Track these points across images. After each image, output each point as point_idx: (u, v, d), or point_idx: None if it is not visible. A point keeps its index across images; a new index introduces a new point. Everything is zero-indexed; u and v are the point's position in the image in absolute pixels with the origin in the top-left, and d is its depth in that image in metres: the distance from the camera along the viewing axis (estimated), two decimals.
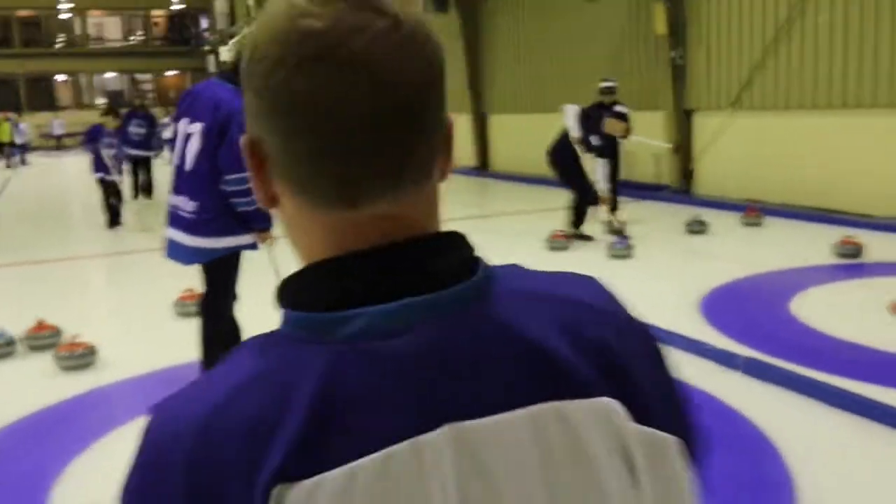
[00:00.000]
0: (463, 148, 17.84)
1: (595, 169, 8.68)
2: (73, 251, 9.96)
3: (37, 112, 36.56)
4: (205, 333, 4.31)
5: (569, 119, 8.59)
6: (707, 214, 9.62)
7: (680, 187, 11.97)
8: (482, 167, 17.46)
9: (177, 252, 4.25)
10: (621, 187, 9.23)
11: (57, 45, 40.26)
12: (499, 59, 16.63)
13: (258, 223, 4.22)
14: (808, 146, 10.09)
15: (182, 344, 5.07)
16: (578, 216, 8.73)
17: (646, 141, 10.27)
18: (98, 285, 8.70)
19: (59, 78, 40.55)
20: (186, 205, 4.15)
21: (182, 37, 41.86)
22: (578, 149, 8.52)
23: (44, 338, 5.47)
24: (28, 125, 29.66)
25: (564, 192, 8.98)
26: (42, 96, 39.13)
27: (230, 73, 4.30)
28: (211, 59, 36.66)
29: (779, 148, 10.52)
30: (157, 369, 4.97)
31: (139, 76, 42.15)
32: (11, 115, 28.45)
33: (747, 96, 10.95)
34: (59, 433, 4.14)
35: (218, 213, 4.12)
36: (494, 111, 17.10)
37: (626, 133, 8.77)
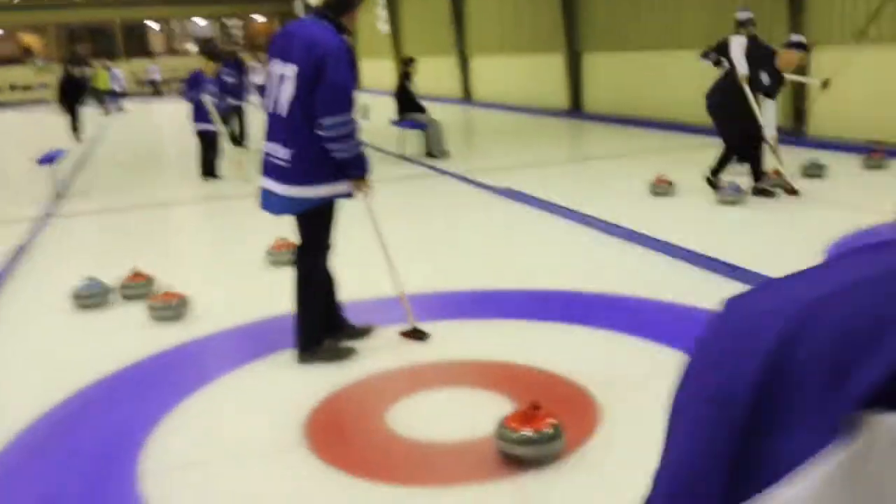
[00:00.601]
0: (555, 88, 17.26)
1: (763, 111, 7.56)
2: (167, 197, 10.00)
3: (132, 59, 37.41)
4: (299, 284, 4.13)
5: (735, 53, 7.45)
6: (823, 157, 8.97)
7: (791, 128, 11.18)
8: (575, 109, 16.84)
9: (270, 202, 4.03)
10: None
11: None
12: None
13: (355, 170, 3.96)
14: None
15: (275, 295, 4.93)
16: (755, 166, 7.60)
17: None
18: (191, 233, 8.69)
19: (152, 25, 41.29)
20: (280, 152, 3.91)
21: None
22: (746, 88, 7.39)
23: (138, 287, 5.40)
24: (123, 72, 30.28)
25: (704, 139, 8.41)
26: (136, 43, 39.97)
27: (326, 10, 4.01)
28: (299, 3, 36.62)
29: None
30: (250, 321, 4.83)
31: (228, 22, 42.54)
32: (108, 62, 29.10)
33: (874, 28, 10.03)
34: (152, 387, 4.03)
35: (313, 161, 3.86)
36: (589, 49, 16.39)
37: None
